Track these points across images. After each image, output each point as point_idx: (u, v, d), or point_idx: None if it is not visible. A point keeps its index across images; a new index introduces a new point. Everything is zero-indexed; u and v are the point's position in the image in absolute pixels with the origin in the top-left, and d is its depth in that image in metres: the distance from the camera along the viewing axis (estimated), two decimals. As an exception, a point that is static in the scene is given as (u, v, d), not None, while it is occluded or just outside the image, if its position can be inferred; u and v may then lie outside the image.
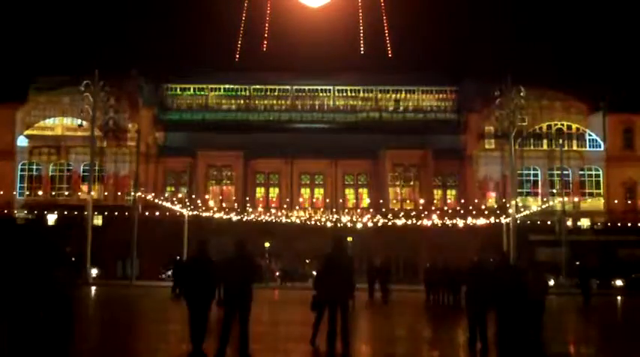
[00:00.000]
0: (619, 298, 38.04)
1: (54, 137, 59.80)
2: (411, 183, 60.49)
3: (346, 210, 60.38)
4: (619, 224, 56.65)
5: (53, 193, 59.77)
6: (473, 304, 13.61)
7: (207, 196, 59.07)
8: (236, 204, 58.91)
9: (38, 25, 65.70)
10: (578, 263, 43.97)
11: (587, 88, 59.29)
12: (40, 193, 59.58)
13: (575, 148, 61.33)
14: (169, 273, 47.24)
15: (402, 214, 56.14)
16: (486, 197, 60.17)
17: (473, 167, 60.95)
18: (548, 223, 52.63)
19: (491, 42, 63.77)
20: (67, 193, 59.69)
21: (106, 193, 58.82)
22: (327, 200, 60.98)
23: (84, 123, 49.92)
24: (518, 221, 47.72)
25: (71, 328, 10.97)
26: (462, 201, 58.41)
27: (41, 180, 60.33)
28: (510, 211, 46.87)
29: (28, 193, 59.99)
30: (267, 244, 55.84)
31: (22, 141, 60.82)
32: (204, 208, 54.36)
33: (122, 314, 22.86)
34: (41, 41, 64.39)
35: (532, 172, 61.77)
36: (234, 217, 54.31)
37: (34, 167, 60.57)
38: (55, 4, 65.51)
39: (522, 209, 52.92)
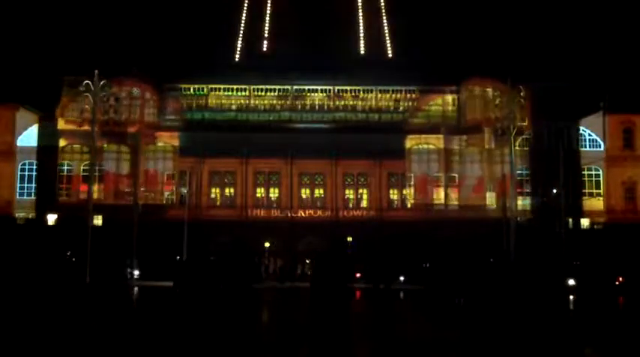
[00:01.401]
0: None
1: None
2: (405, 189, 61.39)
3: (346, 210, 60.62)
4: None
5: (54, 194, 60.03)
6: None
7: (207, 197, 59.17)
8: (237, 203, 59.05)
9: (38, 25, 65.73)
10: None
11: (587, 88, 59.25)
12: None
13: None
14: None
15: (400, 213, 56.31)
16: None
17: (471, 165, 61.22)
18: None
19: (491, 42, 63.72)
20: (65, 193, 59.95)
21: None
22: (327, 200, 61.02)
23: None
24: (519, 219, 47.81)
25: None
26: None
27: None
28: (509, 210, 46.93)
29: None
30: (267, 244, 55.97)
31: (25, 140, 61.12)
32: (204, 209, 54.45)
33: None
34: (41, 41, 64.36)
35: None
36: (234, 218, 54.41)
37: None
38: (55, 4, 65.59)
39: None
